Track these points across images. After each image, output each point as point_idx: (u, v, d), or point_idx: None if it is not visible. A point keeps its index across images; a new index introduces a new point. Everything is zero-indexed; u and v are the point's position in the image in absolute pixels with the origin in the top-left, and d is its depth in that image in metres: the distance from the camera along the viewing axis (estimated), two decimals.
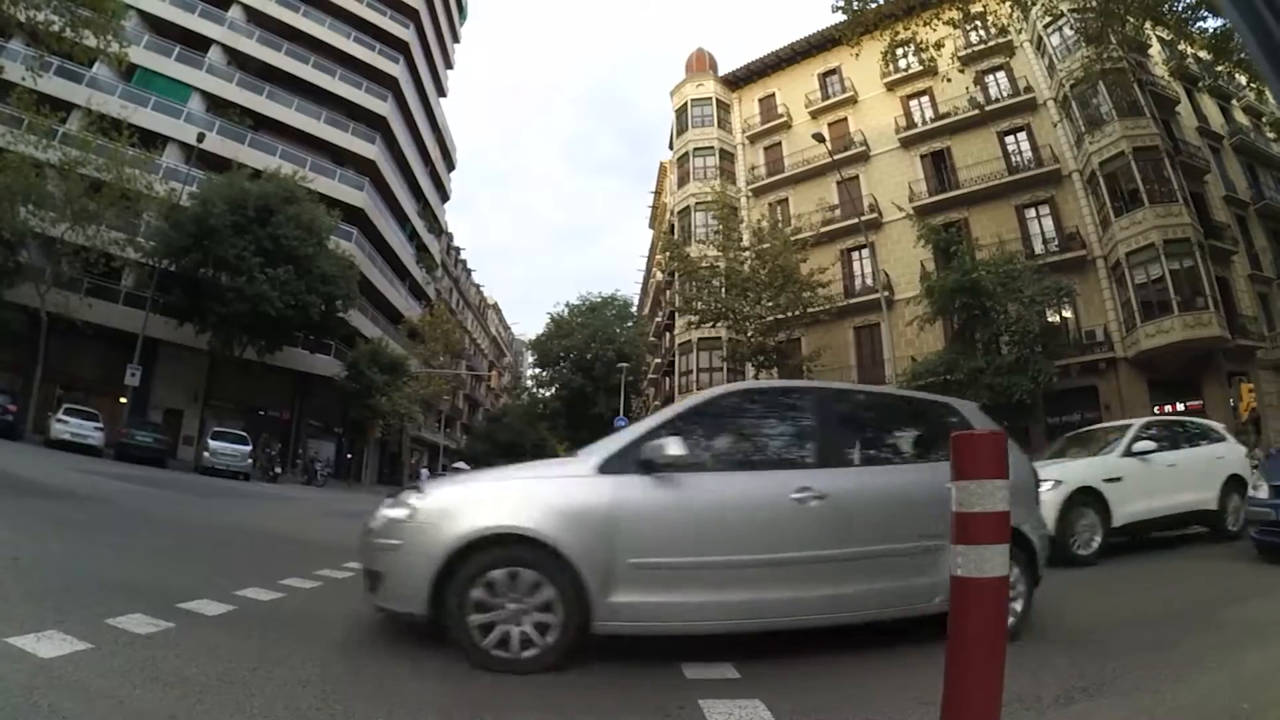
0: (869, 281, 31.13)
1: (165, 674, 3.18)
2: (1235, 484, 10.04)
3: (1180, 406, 25.84)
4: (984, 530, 1.81)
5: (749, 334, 28.79)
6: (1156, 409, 25.97)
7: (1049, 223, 29.77)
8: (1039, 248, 28.93)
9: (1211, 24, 21.93)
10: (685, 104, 40.36)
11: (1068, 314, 27.85)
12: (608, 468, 4.06)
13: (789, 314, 28.20)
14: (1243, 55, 22.28)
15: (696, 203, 36.29)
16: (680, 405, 4.66)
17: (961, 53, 30.37)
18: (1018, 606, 4.56)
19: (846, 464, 4.56)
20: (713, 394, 4.84)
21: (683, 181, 38.81)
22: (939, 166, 32.58)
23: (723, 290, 29.23)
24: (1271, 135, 30.68)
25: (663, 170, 48.71)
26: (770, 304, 28.06)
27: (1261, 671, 3.80)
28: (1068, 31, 27.79)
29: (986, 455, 1.84)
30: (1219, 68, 25.01)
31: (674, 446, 3.97)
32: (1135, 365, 26.25)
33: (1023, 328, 23.75)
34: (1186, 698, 3.62)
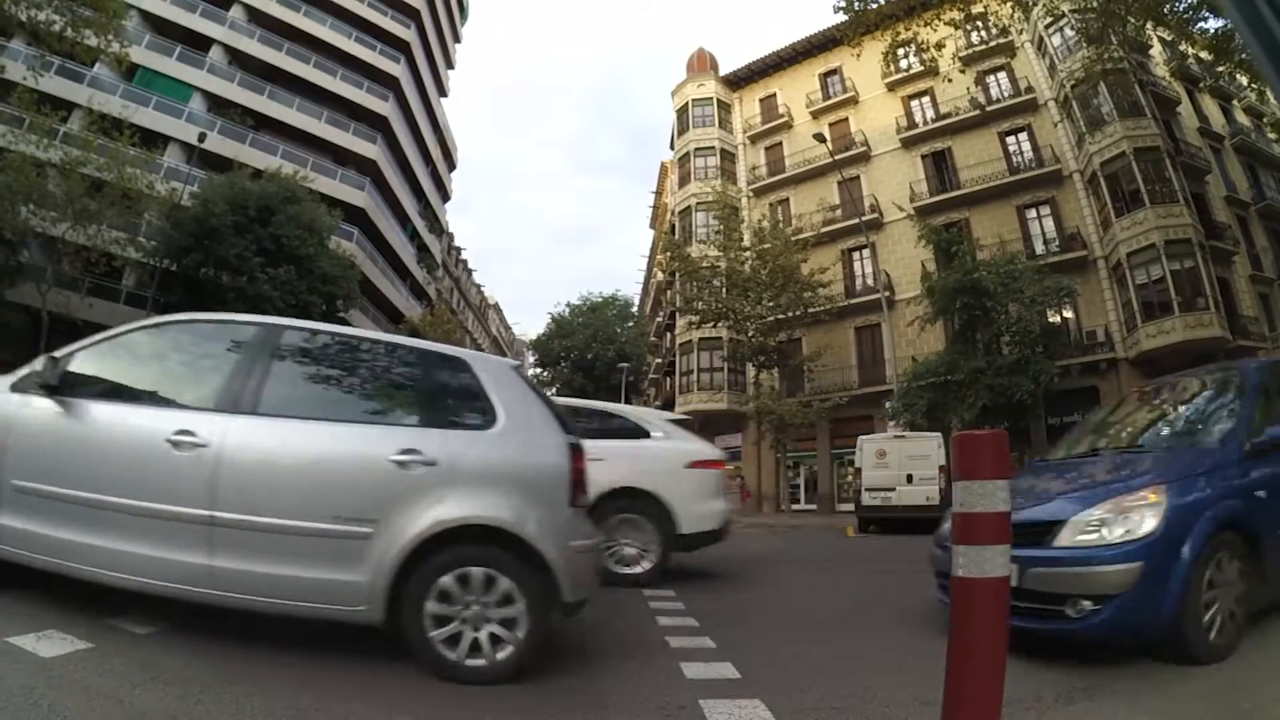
0: (870, 282, 31.09)
1: (165, 673, 3.18)
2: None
3: None
4: (984, 531, 1.81)
5: (750, 334, 28.76)
6: None
7: (1050, 223, 29.76)
8: (1040, 248, 28.93)
9: (1212, 24, 21.82)
10: (686, 104, 40.30)
11: (1068, 314, 27.82)
12: (19, 385, 3.97)
13: (790, 314, 28.21)
14: (1244, 55, 22.26)
15: (697, 203, 36.24)
16: (105, 334, 4.30)
17: (963, 53, 30.29)
18: (519, 634, 3.62)
19: (256, 412, 3.80)
20: (142, 323, 4.39)
21: (684, 181, 38.76)
22: (940, 167, 32.55)
23: (723, 290, 29.22)
24: (1273, 135, 30.60)
25: (664, 170, 48.68)
26: (771, 304, 28.05)
27: (1261, 670, 3.81)
28: (1069, 32, 27.73)
29: (988, 456, 1.83)
30: (1220, 68, 24.97)
31: (58, 369, 3.87)
32: (1136, 366, 26.12)
33: (1023, 328, 23.72)
34: (1188, 697, 3.64)
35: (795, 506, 31.96)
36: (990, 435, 1.89)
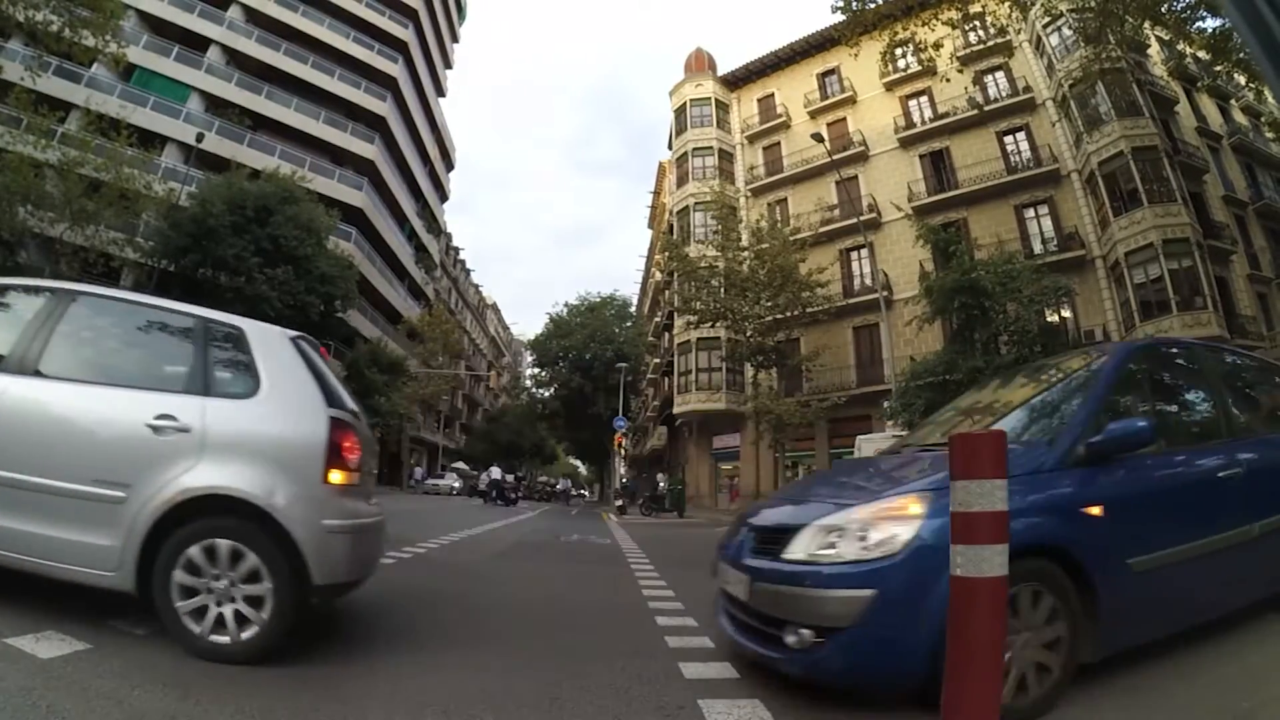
0: (868, 281, 31.18)
1: (164, 674, 3.19)
2: None
3: None
4: (983, 530, 1.82)
5: (748, 334, 28.79)
6: None
7: (1048, 223, 29.85)
8: (1038, 247, 29.00)
9: (1210, 24, 21.83)
10: (684, 104, 40.37)
11: (1066, 314, 27.74)
12: None
13: (788, 314, 28.25)
14: (1242, 55, 22.28)
15: (695, 203, 36.33)
16: None
17: (960, 53, 30.40)
18: (264, 613, 3.56)
19: (35, 373, 3.85)
20: None
21: (682, 181, 38.81)
22: (938, 166, 32.65)
23: (721, 290, 29.24)
24: (1270, 135, 30.63)
25: (662, 170, 48.75)
26: (769, 304, 28.09)
27: (1261, 670, 3.79)
28: (1066, 32, 27.79)
29: (986, 455, 1.84)
30: (1218, 68, 25.00)
31: None
32: None
33: (1021, 327, 23.66)
34: (1187, 696, 3.61)
35: None
36: (988, 435, 1.93)
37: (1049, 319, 26.23)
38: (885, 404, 26.26)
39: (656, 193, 51.72)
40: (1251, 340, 26.52)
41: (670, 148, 42.27)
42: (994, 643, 1.82)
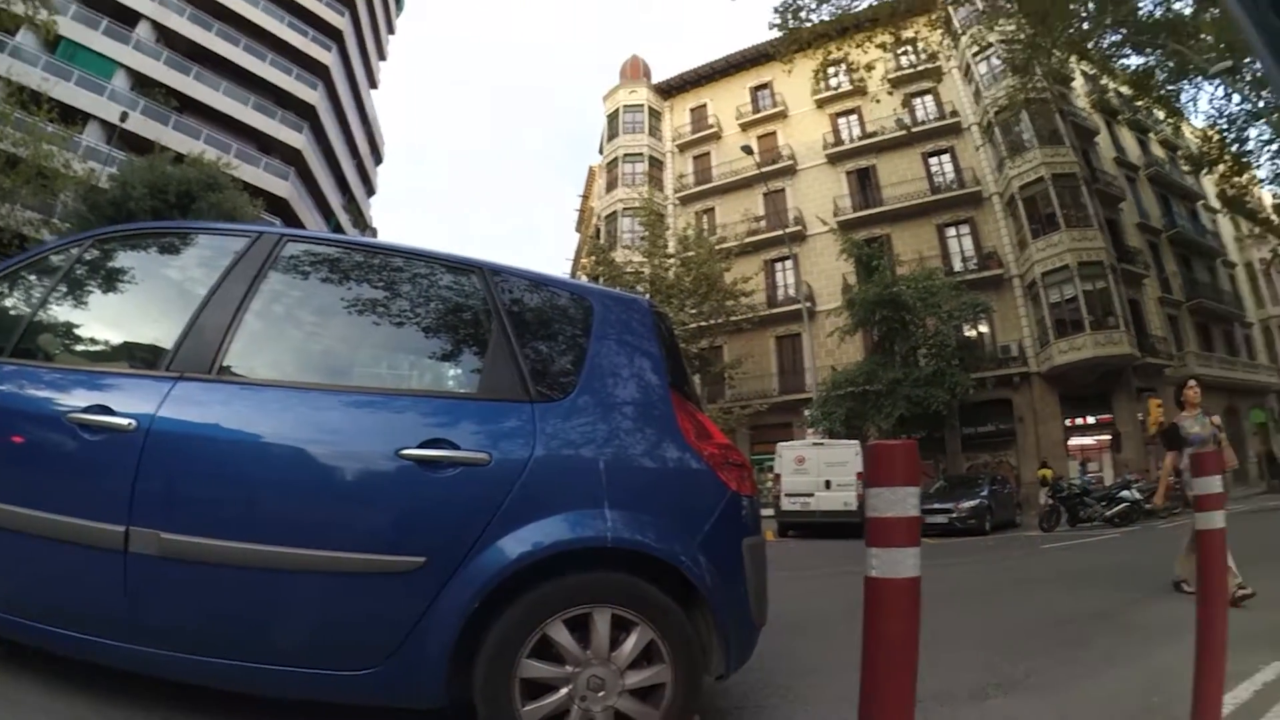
0: (791, 292, 31.33)
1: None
2: None
3: (1091, 420, 27.50)
4: (897, 534, 1.87)
5: None
6: (1068, 421, 27.58)
7: (968, 241, 30.89)
8: (958, 265, 30.03)
9: (1134, 61, 23.10)
10: (618, 109, 40.41)
11: (984, 329, 28.90)
12: None
13: (712, 321, 28.51)
14: (1163, 91, 23.62)
15: (624, 208, 36.18)
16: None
17: (891, 75, 31.40)
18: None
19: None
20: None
21: (611, 186, 38.78)
22: (864, 183, 33.33)
23: (647, 296, 28.96)
24: (1186, 168, 32.44)
25: (592, 175, 48.75)
26: (694, 311, 28.18)
27: (1171, 666, 3.85)
28: (995, 61, 28.84)
29: (900, 464, 1.91)
30: (1139, 103, 26.55)
31: None
32: (1048, 379, 27.56)
33: (940, 341, 24.60)
34: (1099, 693, 3.83)
35: None
36: (901, 445, 1.92)
37: (967, 334, 27.37)
38: (806, 412, 26.85)
39: (585, 196, 51.65)
40: (1161, 359, 28.26)
41: (601, 152, 42.16)
42: (908, 640, 1.88)
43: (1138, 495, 18.94)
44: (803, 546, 15.66)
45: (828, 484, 18.41)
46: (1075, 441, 27.91)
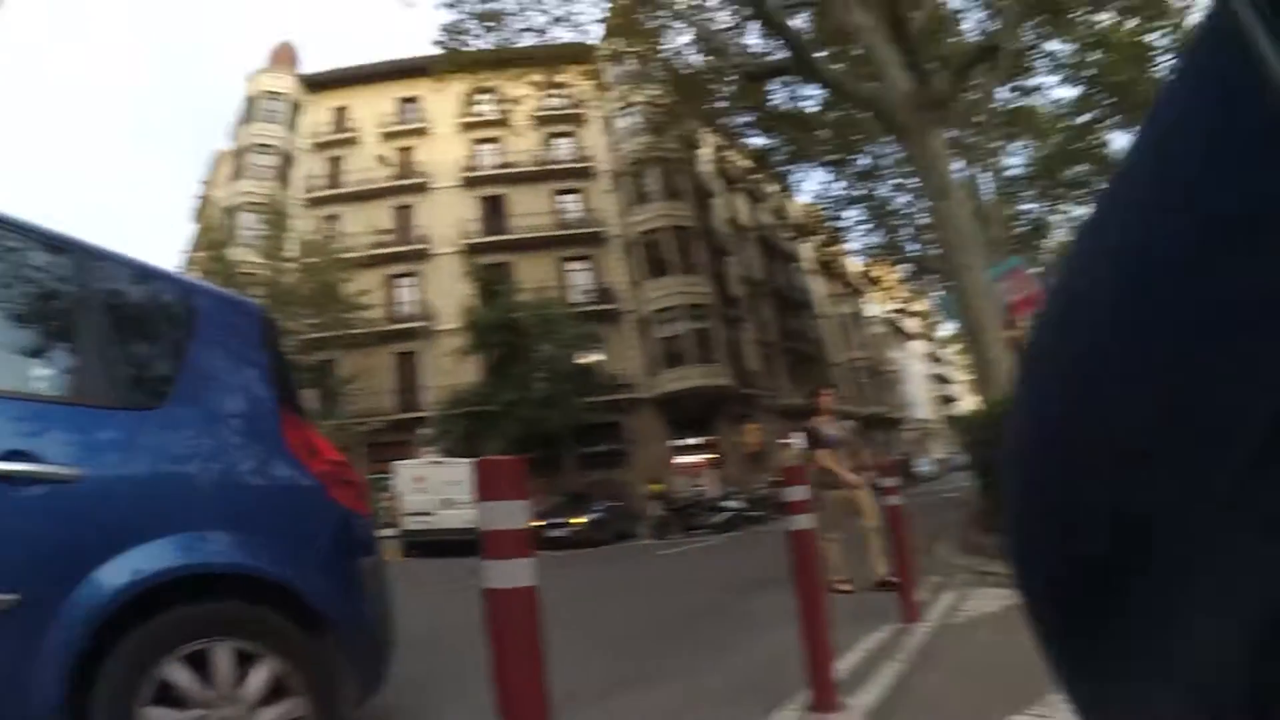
0: (412, 310, 31.04)
1: None
2: None
3: (696, 441, 30.36)
4: (510, 546, 1.91)
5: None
6: (675, 442, 30.21)
7: (589, 276, 32.49)
8: (577, 297, 31.34)
9: (758, 141, 25.69)
10: (259, 94, 36.98)
11: (599, 358, 30.22)
12: None
13: (329, 334, 26.98)
14: (776, 170, 26.72)
15: (247, 201, 33.05)
16: None
17: (538, 112, 32.07)
18: None
19: None
20: None
21: (237, 176, 35.21)
22: (494, 210, 33.55)
23: (260, 300, 26.90)
24: (789, 234, 37.20)
25: (218, 161, 44.70)
26: (311, 321, 26.63)
27: (784, 645, 4.02)
28: (636, 118, 30.61)
29: (508, 478, 1.95)
30: (756, 175, 29.84)
31: None
32: (657, 405, 29.83)
33: (555, 367, 25.55)
34: (716, 679, 4.06)
35: None
36: (508, 460, 1.95)
37: (582, 361, 28.39)
38: (424, 430, 26.54)
39: (208, 184, 47.19)
40: (757, 390, 32.36)
41: (234, 138, 38.69)
42: (531, 645, 1.91)
43: (739, 505, 21.27)
44: (427, 565, 15.84)
45: (447, 502, 18.61)
46: (682, 460, 30.47)
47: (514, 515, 1.91)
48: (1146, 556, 0.26)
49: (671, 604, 7.36)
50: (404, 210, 32.07)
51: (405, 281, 31.99)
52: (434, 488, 19.04)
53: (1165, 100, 0.28)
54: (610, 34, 20.44)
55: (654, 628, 5.98)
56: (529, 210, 33.02)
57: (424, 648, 5.02)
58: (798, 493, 3.56)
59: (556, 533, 19.05)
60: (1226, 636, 0.25)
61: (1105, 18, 19.71)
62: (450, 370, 26.87)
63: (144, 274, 2.83)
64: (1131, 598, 0.28)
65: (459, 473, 18.89)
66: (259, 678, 2.36)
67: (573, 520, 19.58)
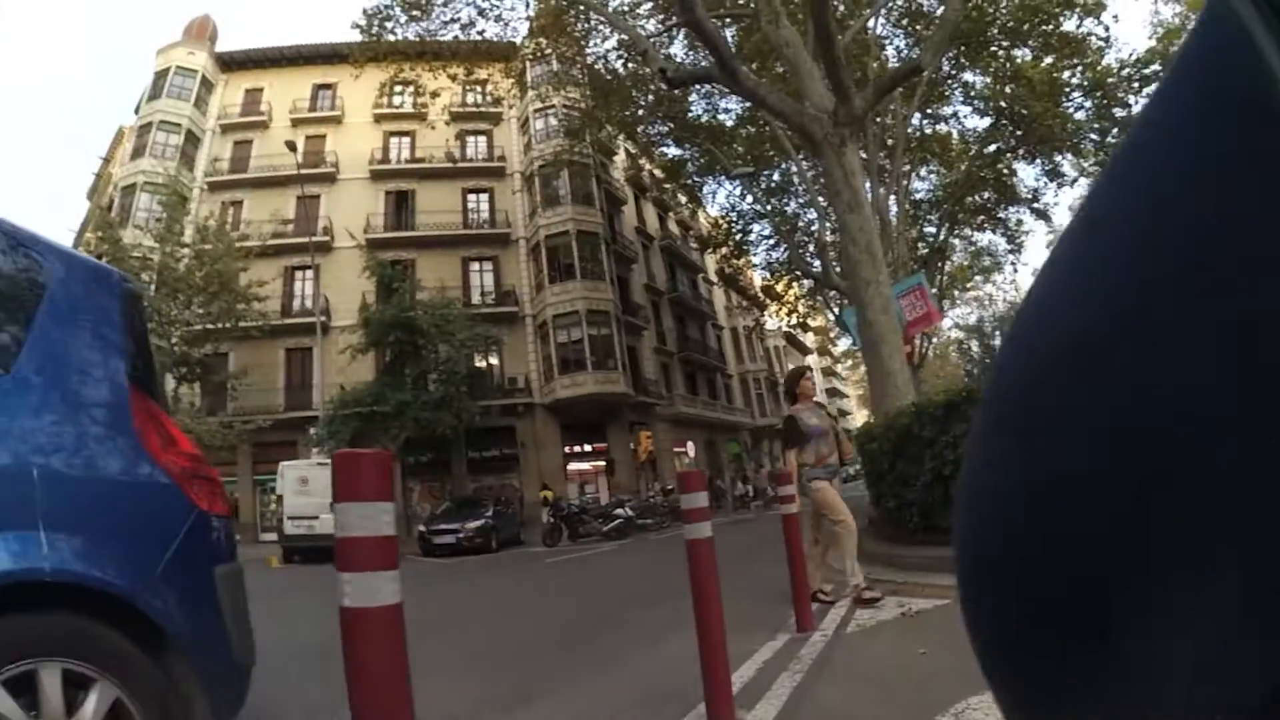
0: (309, 304, 29.86)
1: None
2: None
3: (589, 448, 30.62)
4: (371, 556, 1.66)
5: (173, 341, 25.34)
6: (568, 448, 30.39)
7: (490, 278, 32.58)
8: (477, 298, 31.47)
9: (672, 151, 26.68)
10: (170, 69, 35.64)
11: (494, 361, 30.60)
12: None
13: (220, 325, 25.83)
14: (690, 181, 27.29)
15: (145, 181, 31.51)
16: None
17: (454, 109, 31.94)
18: None
19: None
20: None
21: (138, 154, 33.61)
22: (401, 206, 33.27)
23: (152, 287, 25.17)
24: (695, 245, 38.66)
25: (119, 137, 43.07)
26: (202, 310, 25.55)
27: (679, 657, 4.05)
28: (553, 121, 30.89)
29: (368, 476, 1.68)
30: (667, 186, 30.37)
31: None
32: (551, 410, 29.97)
33: (451, 368, 25.39)
34: (608, 694, 4.00)
35: None
36: (371, 454, 1.70)
37: (478, 363, 28.67)
38: (312, 430, 25.90)
39: (107, 160, 45.44)
40: (652, 399, 32.80)
41: (137, 112, 36.85)
42: (398, 672, 1.67)
43: (630, 512, 21.57)
44: (307, 572, 15.38)
45: (332, 506, 18.30)
46: (574, 466, 30.84)
47: (377, 519, 1.67)
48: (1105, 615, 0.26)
49: (562, 614, 7.28)
50: (309, 200, 30.63)
51: (304, 274, 30.74)
52: (318, 490, 18.33)
53: (1156, 103, 0.27)
54: (535, 33, 20.29)
55: (543, 640, 5.88)
56: (436, 207, 32.81)
57: (290, 669, 4.84)
58: (696, 500, 3.49)
59: (444, 539, 18.91)
60: None
61: (1023, 54, 20.71)
62: (344, 369, 26.32)
63: None
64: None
65: None
66: (93, 705, 2.06)
67: (462, 526, 19.43)
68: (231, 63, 37.55)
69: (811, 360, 68.34)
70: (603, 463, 31.01)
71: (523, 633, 6.37)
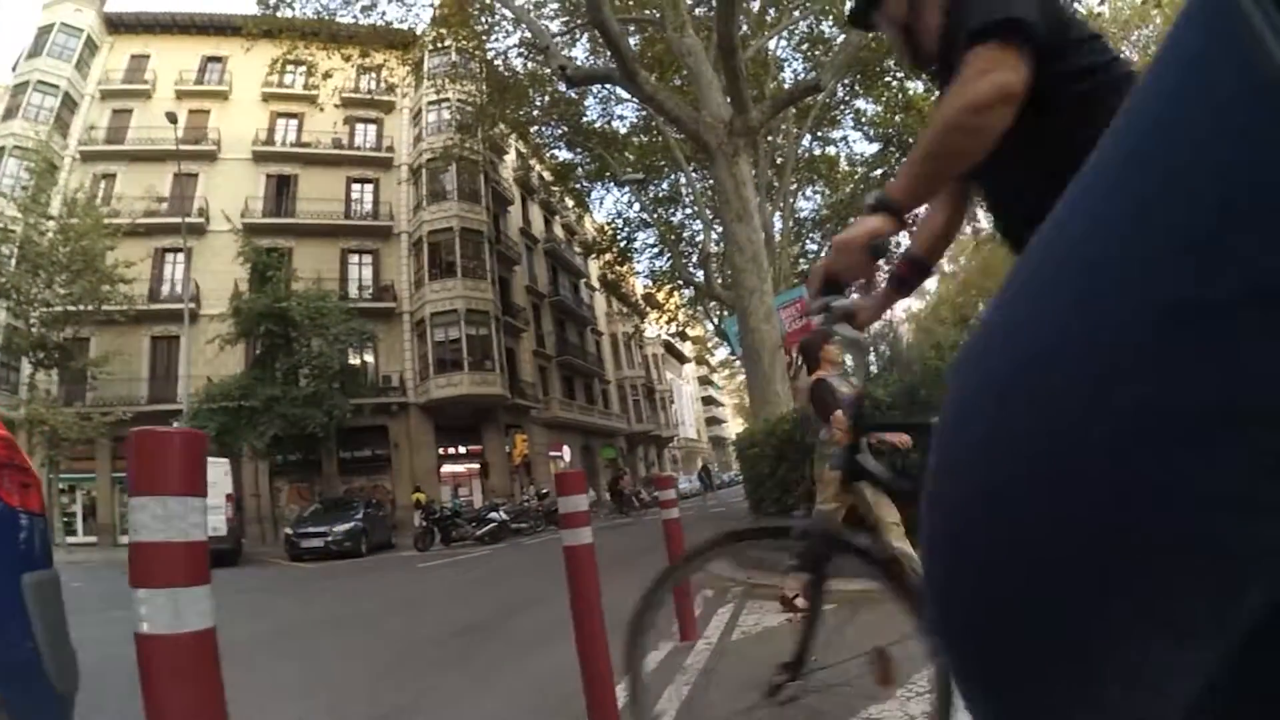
0: (178, 289, 28.39)
1: None
2: None
3: (463, 450, 30.63)
4: (173, 568, 1.36)
5: (30, 321, 23.95)
6: (442, 450, 30.36)
7: (369, 271, 32.28)
8: (355, 292, 31.15)
9: (564, 155, 26.68)
10: (54, 25, 33.79)
11: (369, 358, 30.36)
12: None
13: (83, 307, 24.28)
14: (578, 185, 27.53)
15: (15, 145, 29.57)
16: None
17: (346, 93, 30.89)
18: None
19: None
20: None
21: (9, 114, 31.66)
22: (281, 191, 32.43)
23: (13, 261, 23.92)
24: (578, 250, 39.00)
25: None
26: (64, 291, 23.99)
27: (560, 667, 4.00)
28: (445, 114, 30.99)
29: (176, 463, 1.40)
30: (556, 189, 30.60)
31: None
32: (425, 410, 29.93)
33: (324, 363, 25.06)
34: (494, 702, 3.90)
35: (71, 539, 25.90)
36: (180, 434, 1.44)
37: (351, 360, 28.37)
38: (175, 424, 24.60)
39: None
40: (529, 402, 33.16)
41: (15, 70, 35.22)
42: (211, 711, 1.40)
43: (505, 516, 21.62)
44: None
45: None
46: (448, 469, 30.79)
47: (182, 519, 1.38)
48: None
49: (435, 623, 6.93)
50: (186, 178, 29.57)
51: (175, 258, 29.27)
52: None
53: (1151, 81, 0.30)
54: (437, 22, 19.97)
55: (415, 653, 5.54)
56: (319, 195, 32.09)
57: (130, 692, 4.33)
58: (575, 503, 3.31)
59: (312, 542, 18.53)
60: None
61: (915, 85, 21.28)
62: (211, 360, 25.44)
63: None
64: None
65: (210, 473, 18.10)
66: None
67: (330, 529, 18.97)
68: (120, 24, 35.80)
69: (688, 369, 70.25)
70: (477, 465, 31.02)
71: (393, 645, 5.98)
